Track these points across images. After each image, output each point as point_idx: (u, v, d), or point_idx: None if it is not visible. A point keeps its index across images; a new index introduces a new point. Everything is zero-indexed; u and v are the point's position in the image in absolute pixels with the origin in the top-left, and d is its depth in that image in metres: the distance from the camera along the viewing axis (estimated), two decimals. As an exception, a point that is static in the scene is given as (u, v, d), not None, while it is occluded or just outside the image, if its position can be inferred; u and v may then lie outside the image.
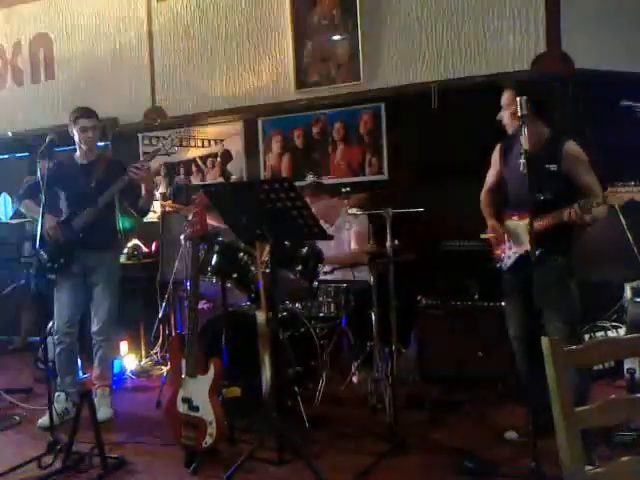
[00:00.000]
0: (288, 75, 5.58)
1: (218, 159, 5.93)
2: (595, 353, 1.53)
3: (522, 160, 2.93)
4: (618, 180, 2.87)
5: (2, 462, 3.21)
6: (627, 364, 3.68)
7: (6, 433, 3.78)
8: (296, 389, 3.56)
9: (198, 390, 3.16)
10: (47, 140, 3.42)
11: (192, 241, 3.41)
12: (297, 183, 3.44)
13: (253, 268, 3.85)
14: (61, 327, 3.92)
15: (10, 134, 6.74)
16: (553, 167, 3.00)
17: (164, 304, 5.09)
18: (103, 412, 3.83)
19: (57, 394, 3.90)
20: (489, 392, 3.91)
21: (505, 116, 3.17)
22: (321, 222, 4.12)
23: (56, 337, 3.93)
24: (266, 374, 3.41)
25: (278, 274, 3.36)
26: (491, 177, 3.47)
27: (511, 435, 3.30)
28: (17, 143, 6.64)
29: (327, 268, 4.17)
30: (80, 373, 4.38)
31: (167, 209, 5.40)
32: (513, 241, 3.21)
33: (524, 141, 2.74)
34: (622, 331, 4.19)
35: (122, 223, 4.29)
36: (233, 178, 5.75)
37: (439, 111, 4.98)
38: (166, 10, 6.09)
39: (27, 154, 6.51)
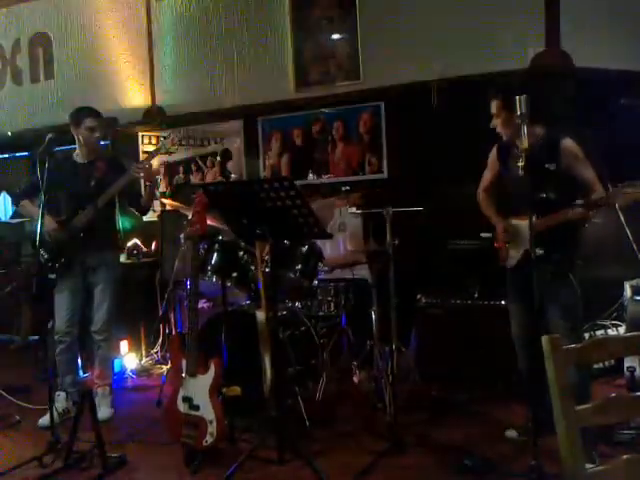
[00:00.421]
0: (288, 74, 5.58)
1: (218, 158, 5.93)
2: (595, 351, 1.53)
3: (521, 161, 2.94)
4: (617, 178, 2.86)
5: (3, 461, 3.21)
6: (627, 362, 3.68)
7: (6, 432, 3.78)
8: (296, 388, 3.56)
9: (198, 389, 3.16)
10: (47, 139, 3.41)
11: (192, 240, 3.41)
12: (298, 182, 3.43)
13: (253, 267, 3.85)
14: (61, 327, 3.92)
15: (9, 133, 6.74)
16: (552, 166, 3.01)
17: (164, 303, 5.09)
18: (104, 411, 3.84)
19: (57, 393, 3.90)
20: (489, 391, 3.91)
21: (497, 124, 3.19)
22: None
23: (56, 337, 3.93)
24: (266, 373, 3.42)
25: (278, 273, 3.36)
26: (487, 178, 3.49)
27: (511, 434, 3.30)
28: (16, 142, 6.64)
29: (327, 267, 4.18)
30: (80, 372, 4.38)
31: (167, 208, 5.39)
32: (516, 241, 3.21)
33: (524, 141, 2.74)
34: (622, 329, 4.20)
35: (122, 222, 4.29)
36: (233, 177, 5.75)
37: (439, 110, 4.98)
38: (165, 9, 6.09)
39: (27, 153, 6.51)
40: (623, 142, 4.32)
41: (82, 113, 3.92)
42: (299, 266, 3.87)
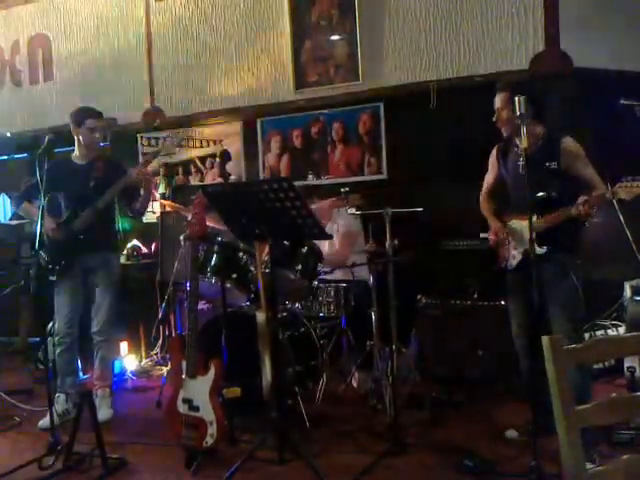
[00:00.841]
0: (287, 75, 5.57)
1: (217, 159, 5.93)
2: (595, 351, 1.53)
3: (521, 161, 2.96)
4: (617, 178, 2.87)
5: (2, 463, 3.22)
6: (627, 362, 3.68)
7: (6, 434, 3.78)
8: (296, 389, 3.56)
9: (198, 390, 3.16)
10: (45, 141, 3.41)
11: (191, 241, 3.41)
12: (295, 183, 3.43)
13: (253, 268, 3.85)
14: (61, 328, 3.92)
15: (8, 135, 6.73)
16: (553, 165, 3.02)
17: (164, 304, 5.09)
18: (103, 413, 3.84)
19: (57, 395, 3.90)
20: (489, 391, 3.91)
21: (501, 118, 3.17)
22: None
23: (56, 338, 3.93)
24: (266, 374, 3.41)
25: (278, 274, 3.36)
26: (489, 179, 3.49)
27: (511, 434, 3.30)
28: (16, 144, 6.64)
29: (327, 268, 4.17)
30: (80, 374, 4.38)
31: (166, 209, 5.39)
32: (517, 241, 3.21)
33: (523, 140, 2.75)
34: (622, 330, 4.20)
35: (122, 224, 4.29)
36: (232, 178, 5.75)
37: (438, 110, 4.98)
38: (164, 10, 6.09)
39: (26, 155, 6.50)
40: (622, 142, 4.32)
41: (83, 113, 3.92)
42: (299, 267, 3.87)
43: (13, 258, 5.72)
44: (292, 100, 5.57)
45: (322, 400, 3.80)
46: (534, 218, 2.95)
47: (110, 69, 6.28)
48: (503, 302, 3.97)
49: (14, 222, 6.07)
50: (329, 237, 3.43)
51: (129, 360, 4.99)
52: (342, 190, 4.51)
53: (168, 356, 4.75)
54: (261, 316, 3.43)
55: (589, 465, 1.40)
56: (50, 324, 4.17)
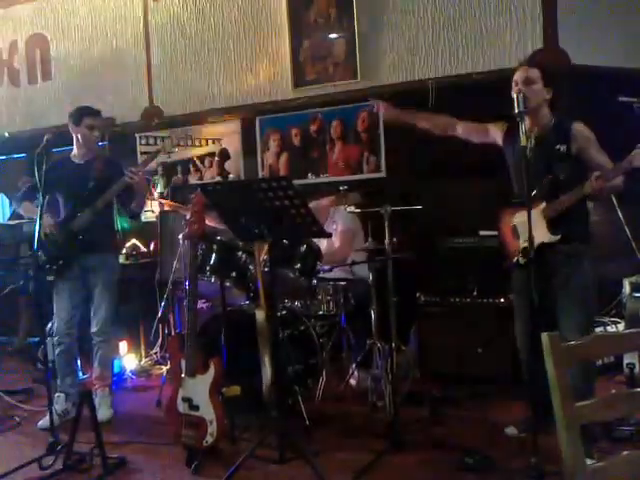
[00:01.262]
0: (285, 73, 5.57)
1: (216, 158, 5.92)
2: (594, 348, 1.53)
3: (530, 144, 2.87)
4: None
5: (2, 463, 3.21)
6: (627, 359, 3.69)
7: (6, 434, 3.79)
8: (296, 387, 3.56)
9: (198, 389, 3.16)
10: (44, 140, 3.41)
11: (191, 240, 3.41)
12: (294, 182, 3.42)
13: (252, 267, 3.85)
14: (60, 328, 3.91)
15: (7, 135, 6.73)
16: (563, 148, 2.97)
17: (163, 304, 5.09)
18: (103, 412, 3.83)
19: (57, 395, 3.90)
20: (488, 389, 3.91)
21: (532, 91, 3.01)
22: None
23: (55, 338, 3.93)
24: (266, 373, 3.41)
25: (277, 273, 3.36)
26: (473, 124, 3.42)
27: (511, 431, 3.30)
28: (14, 144, 6.63)
29: (326, 266, 4.17)
30: (80, 374, 4.38)
31: (165, 208, 5.39)
32: (526, 234, 3.03)
33: (522, 137, 2.74)
34: (621, 326, 4.20)
35: (120, 223, 4.29)
36: (231, 177, 5.75)
37: (437, 108, 4.97)
38: (162, 9, 6.08)
39: (24, 155, 6.50)
40: (621, 139, 4.32)
41: (81, 112, 3.92)
42: (298, 265, 3.87)
43: (12, 258, 5.72)
44: (291, 98, 5.57)
45: (322, 398, 3.80)
46: (543, 204, 2.93)
47: (108, 69, 6.27)
48: (503, 300, 3.98)
49: (13, 222, 6.07)
50: (328, 235, 3.43)
51: (128, 359, 4.99)
52: (341, 188, 4.51)
53: (167, 355, 4.74)
54: (260, 315, 3.42)
55: (589, 461, 1.40)
56: (49, 324, 4.17)
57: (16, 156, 6.72)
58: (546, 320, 2.73)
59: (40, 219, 3.36)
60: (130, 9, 6.18)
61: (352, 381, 4.13)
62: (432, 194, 4.63)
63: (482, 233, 4.17)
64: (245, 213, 3.15)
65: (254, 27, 5.70)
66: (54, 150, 3.61)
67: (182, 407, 3.20)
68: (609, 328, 4.25)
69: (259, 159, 5.77)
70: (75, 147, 3.99)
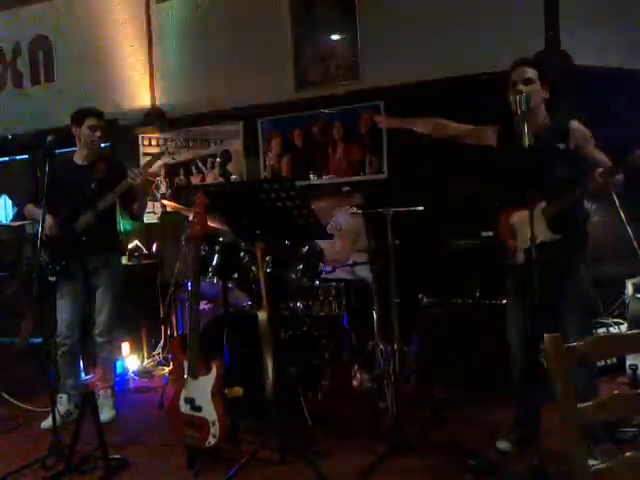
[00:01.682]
0: (287, 75, 5.58)
1: (218, 160, 5.93)
2: (597, 350, 1.52)
3: (528, 142, 2.82)
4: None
5: (5, 464, 3.21)
6: (629, 360, 3.68)
7: (9, 435, 3.79)
8: (298, 389, 3.56)
9: (200, 390, 3.16)
10: (47, 142, 3.41)
11: (193, 241, 3.41)
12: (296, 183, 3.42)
13: (254, 268, 3.85)
14: (63, 329, 3.92)
15: (10, 136, 6.74)
16: (562, 146, 2.94)
17: (165, 305, 5.09)
18: (106, 413, 3.84)
19: (59, 396, 3.91)
20: (491, 390, 3.90)
21: (532, 90, 2.96)
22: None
23: (58, 339, 3.93)
24: (268, 374, 3.41)
25: (279, 274, 3.36)
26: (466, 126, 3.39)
27: (504, 445, 3.13)
28: (17, 145, 6.64)
29: (328, 267, 4.17)
30: (83, 375, 4.38)
31: (168, 210, 5.40)
32: (525, 234, 2.91)
33: (525, 137, 2.73)
34: (624, 327, 4.19)
35: (123, 224, 4.29)
36: (233, 178, 5.75)
37: (439, 109, 4.96)
38: (165, 11, 6.10)
39: (27, 156, 6.51)
40: (624, 140, 4.31)
41: (84, 112, 3.92)
42: (300, 266, 3.87)
43: (14, 259, 5.73)
44: (293, 99, 5.57)
45: (324, 400, 3.79)
46: (542, 204, 2.89)
47: (111, 70, 6.29)
48: (505, 301, 3.96)
49: (15, 223, 6.07)
50: (330, 237, 3.43)
51: (131, 360, 5.00)
52: (343, 189, 4.51)
53: (170, 356, 4.75)
54: (263, 316, 3.42)
55: (592, 462, 1.40)
56: (52, 325, 4.17)
57: (19, 158, 6.73)
58: (545, 322, 2.70)
59: (43, 220, 3.36)
60: (133, 10, 6.19)
61: (354, 382, 4.13)
62: (434, 195, 4.63)
63: (484, 234, 4.16)
64: (247, 214, 3.15)
65: (256, 28, 5.71)
66: (57, 151, 3.61)
67: (184, 408, 3.20)
68: (612, 329, 4.25)
69: (261, 160, 5.78)
70: (77, 148, 3.99)
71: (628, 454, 1.42)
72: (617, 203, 4.16)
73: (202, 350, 3.21)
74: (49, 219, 3.77)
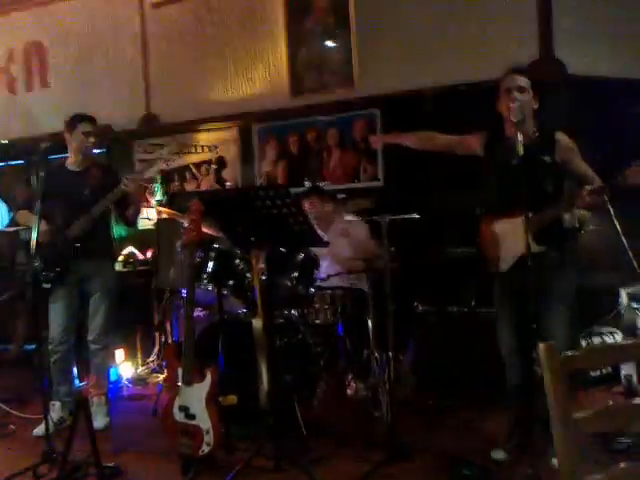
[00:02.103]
0: (283, 82, 5.59)
1: (213, 166, 5.93)
2: (592, 359, 1.53)
3: (516, 154, 2.83)
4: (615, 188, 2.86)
5: (-3, 472, 3.19)
6: (624, 370, 3.68)
7: (1, 442, 3.76)
8: (293, 396, 3.55)
9: (195, 398, 3.15)
10: (41, 148, 3.40)
11: (188, 248, 3.40)
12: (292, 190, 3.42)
13: (249, 275, 3.84)
14: (56, 336, 3.89)
15: (4, 142, 6.72)
16: (548, 158, 2.94)
17: (160, 311, 5.07)
18: (99, 421, 3.81)
19: (53, 403, 3.88)
20: (486, 398, 3.90)
21: (526, 99, 2.99)
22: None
23: (51, 346, 3.91)
24: (263, 381, 3.40)
25: (274, 281, 3.36)
26: (448, 137, 3.41)
27: (499, 455, 3.10)
28: (12, 151, 6.63)
29: (323, 274, 4.17)
30: (76, 382, 4.35)
31: (163, 216, 5.38)
32: (509, 243, 3.01)
33: (519, 147, 2.74)
34: (618, 337, 4.20)
35: (118, 231, 4.28)
36: (228, 185, 5.75)
37: (434, 117, 4.99)
38: (160, 17, 6.10)
39: (22, 162, 6.50)
40: (618, 149, 4.33)
41: (76, 118, 3.91)
42: (295, 274, 3.87)
43: (9, 265, 5.71)
44: (288, 106, 5.58)
45: (319, 408, 3.78)
46: (530, 215, 2.81)
47: (106, 76, 6.28)
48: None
49: (10, 229, 6.05)
50: (325, 244, 3.43)
51: (125, 367, 4.97)
52: (338, 196, 4.51)
53: (164, 363, 4.73)
54: (257, 323, 3.42)
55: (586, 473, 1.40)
56: (46, 331, 4.15)
57: (14, 163, 6.72)
58: (533, 329, 2.71)
59: (38, 227, 3.35)
60: (128, 16, 6.20)
61: (349, 390, 4.11)
62: (430, 203, 4.63)
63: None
64: (242, 221, 3.14)
65: (252, 34, 5.72)
66: (51, 157, 3.60)
67: (178, 416, 3.18)
68: (606, 338, 4.25)
69: (256, 167, 5.78)
70: (70, 154, 3.98)
71: (622, 465, 1.42)
72: (612, 213, 4.17)
73: (197, 357, 3.20)
74: (43, 225, 3.76)
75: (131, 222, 4.14)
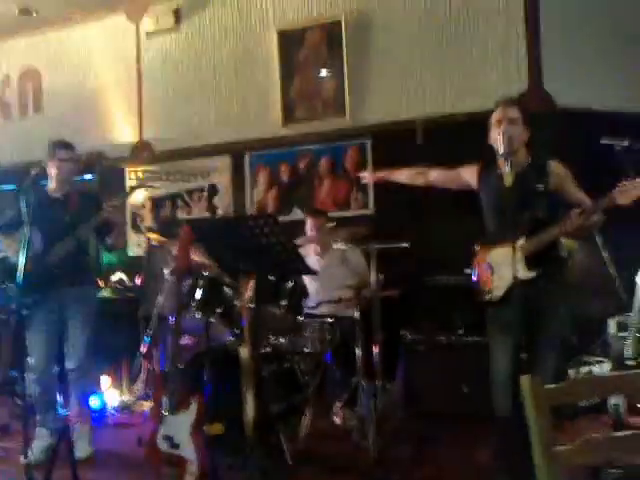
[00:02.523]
0: (275, 110, 5.64)
1: (204, 193, 5.94)
2: (576, 392, 1.52)
3: (507, 182, 2.85)
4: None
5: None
6: (612, 400, 3.66)
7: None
8: (279, 426, 3.51)
9: (179, 427, 3.11)
10: (31, 175, 3.40)
11: (177, 275, 3.39)
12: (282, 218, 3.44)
13: (237, 303, 3.83)
14: (38, 365, 3.79)
15: (-2, 166, 6.74)
16: (540, 187, 2.94)
17: (147, 338, 5.03)
18: (82, 449, 3.73)
19: (38, 429, 3.80)
20: (475, 427, 3.86)
21: (517, 131, 3.01)
22: (316, 248, 4.16)
23: (33, 377, 3.82)
24: (249, 410, 3.37)
25: (262, 309, 3.35)
26: (443, 173, 3.45)
27: None
28: (4, 175, 6.62)
29: (312, 303, 4.16)
30: (60, 409, 4.28)
31: (153, 243, 5.37)
32: (502, 270, 2.99)
33: (507, 176, 2.77)
34: (606, 365, 4.19)
35: (106, 257, 4.26)
36: (219, 212, 5.76)
37: (424, 147, 5.04)
38: (155, 45, 6.17)
39: (14, 187, 6.48)
40: (605, 181, 4.37)
41: (54, 145, 3.93)
42: (284, 302, 3.85)
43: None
44: (280, 135, 5.62)
45: (306, 437, 3.74)
46: (521, 241, 2.87)
47: (100, 103, 6.33)
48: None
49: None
50: (314, 273, 3.43)
51: (110, 395, 4.91)
52: (329, 225, 4.52)
53: (151, 391, 4.67)
54: (244, 352, 3.39)
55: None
56: (27, 359, 4.07)
57: (6, 188, 6.70)
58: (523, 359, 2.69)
59: (27, 251, 3.31)
60: (123, 44, 6.27)
61: (337, 419, 4.07)
62: (419, 231, 4.66)
63: (468, 271, 4.17)
64: (232, 249, 3.15)
65: (245, 63, 5.79)
66: (42, 184, 3.60)
67: (163, 445, 3.14)
68: (594, 368, 4.24)
69: (248, 194, 5.80)
70: (50, 181, 3.97)
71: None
72: (599, 242, 4.20)
73: (183, 385, 3.16)
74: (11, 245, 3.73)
75: (112, 248, 4.12)
